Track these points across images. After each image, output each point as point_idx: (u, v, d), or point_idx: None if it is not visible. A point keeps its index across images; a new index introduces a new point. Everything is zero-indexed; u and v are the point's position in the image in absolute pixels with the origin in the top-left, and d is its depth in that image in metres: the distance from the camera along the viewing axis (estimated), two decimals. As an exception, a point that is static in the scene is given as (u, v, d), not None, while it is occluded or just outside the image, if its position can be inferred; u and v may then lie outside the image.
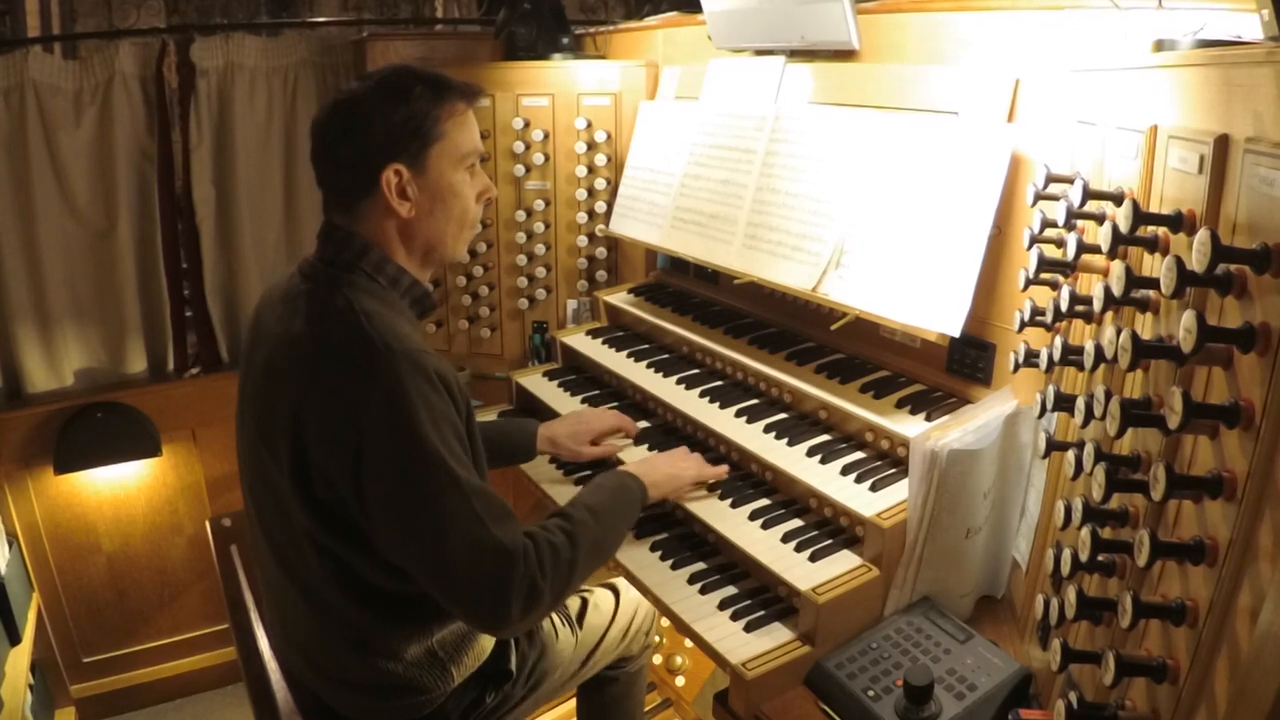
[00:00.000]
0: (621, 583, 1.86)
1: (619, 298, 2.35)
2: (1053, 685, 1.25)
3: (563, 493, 1.84)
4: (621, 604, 1.84)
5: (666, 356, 2.10)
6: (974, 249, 1.47)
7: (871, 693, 1.32)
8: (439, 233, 1.39)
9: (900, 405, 1.61)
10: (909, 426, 1.53)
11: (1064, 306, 1.18)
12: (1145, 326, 1.05)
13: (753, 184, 1.91)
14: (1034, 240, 1.28)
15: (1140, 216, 0.99)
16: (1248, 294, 0.83)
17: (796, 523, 1.57)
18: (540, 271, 2.51)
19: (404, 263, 1.39)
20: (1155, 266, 1.02)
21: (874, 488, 1.50)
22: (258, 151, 2.82)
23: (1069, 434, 1.24)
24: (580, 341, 2.27)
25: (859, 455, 1.61)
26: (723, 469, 1.69)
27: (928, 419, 1.55)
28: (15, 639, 2.37)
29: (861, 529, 1.48)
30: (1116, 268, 0.98)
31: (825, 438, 1.67)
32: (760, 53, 2.03)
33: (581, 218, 2.46)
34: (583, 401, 2.08)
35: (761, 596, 1.51)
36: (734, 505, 1.63)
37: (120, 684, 2.94)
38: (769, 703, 1.37)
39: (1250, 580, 0.80)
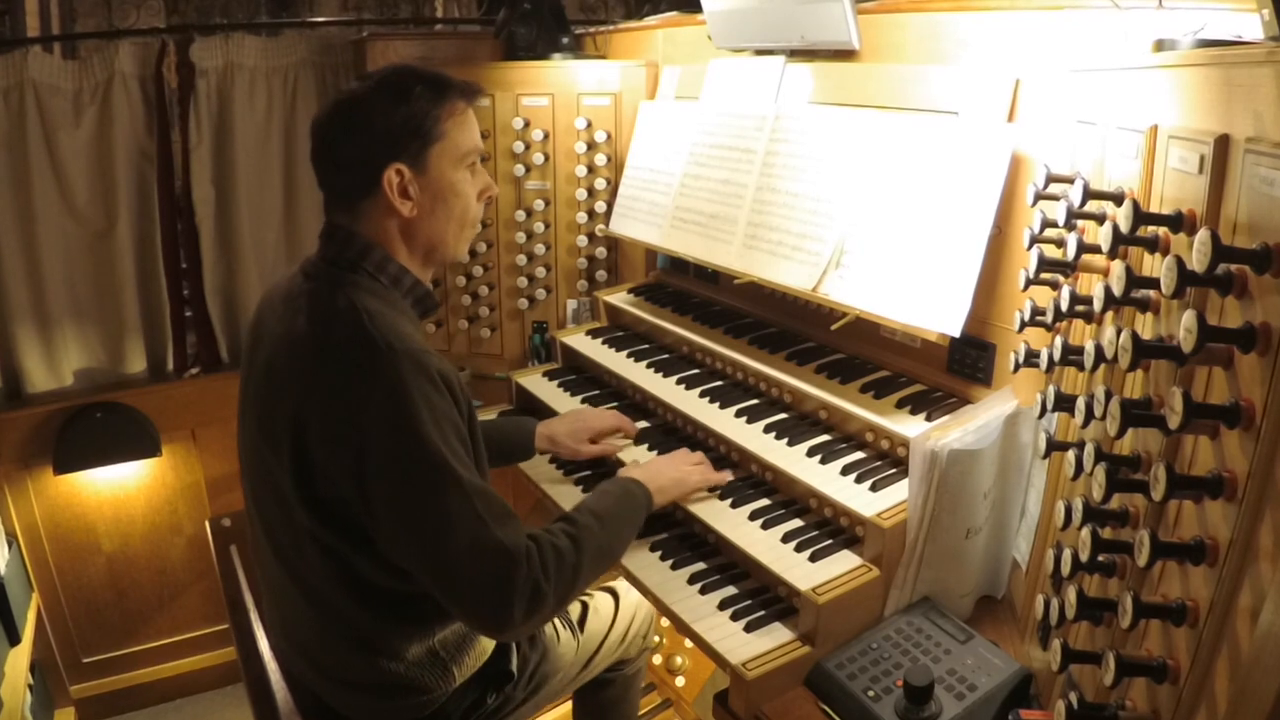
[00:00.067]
0: (621, 586, 1.86)
1: (619, 298, 2.35)
2: (1053, 685, 1.25)
3: (562, 493, 1.84)
4: (621, 607, 1.83)
5: (666, 356, 2.10)
6: (974, 249, 1.47)
7: (872, 693, 1.32)
8: (440, 232, 1.39)
9: (900, 405, 1.61)
10: (909, 426, 1.53)
11: (1064, 306, 1.18)
12: (1146, 326, 1.05)
13: (753, 184, 1.91)
14: (1034, 240, 1.28)
15: (1140, 216, 0.99)
16: (1248, 294, 0.83)
17: (796, 523, 1.57)
18: (540, 271, 2.51)
19: (406, 262, 1.39)
20: (1155, 266, 1.02)
21: (874, 488, 1.50)
22: (257, 151, 2.82)
23: (1069, 434, 1.24)
24: (580, 341, 2.27)
25: (859, 455, 1.61)
26: (726, 474, 1.68)
27: (928, 419, 1.55)
28: (15, 639, 2.36)
29: (862, 529, 1.48)
30: (1117, 268, 0.98)
31: (825, 438, 1.67)
32: (760, 52, 2.03)
33: (581, 217, 2.46)
34: (583, 401, 2.08)
35: (761, 597, 1.51)
36: (734, 505, 1.63)
37: (120, 684, 2.94)
38: (769, 703, 1.37)
39: (1250, 580, 0.80)
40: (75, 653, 2.87)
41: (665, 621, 2.21)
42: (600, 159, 2.41)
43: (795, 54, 1.93)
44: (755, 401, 1.83)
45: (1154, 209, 1.03)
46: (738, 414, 1.78)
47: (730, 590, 1.53)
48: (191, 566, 2.96)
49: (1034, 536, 1.41)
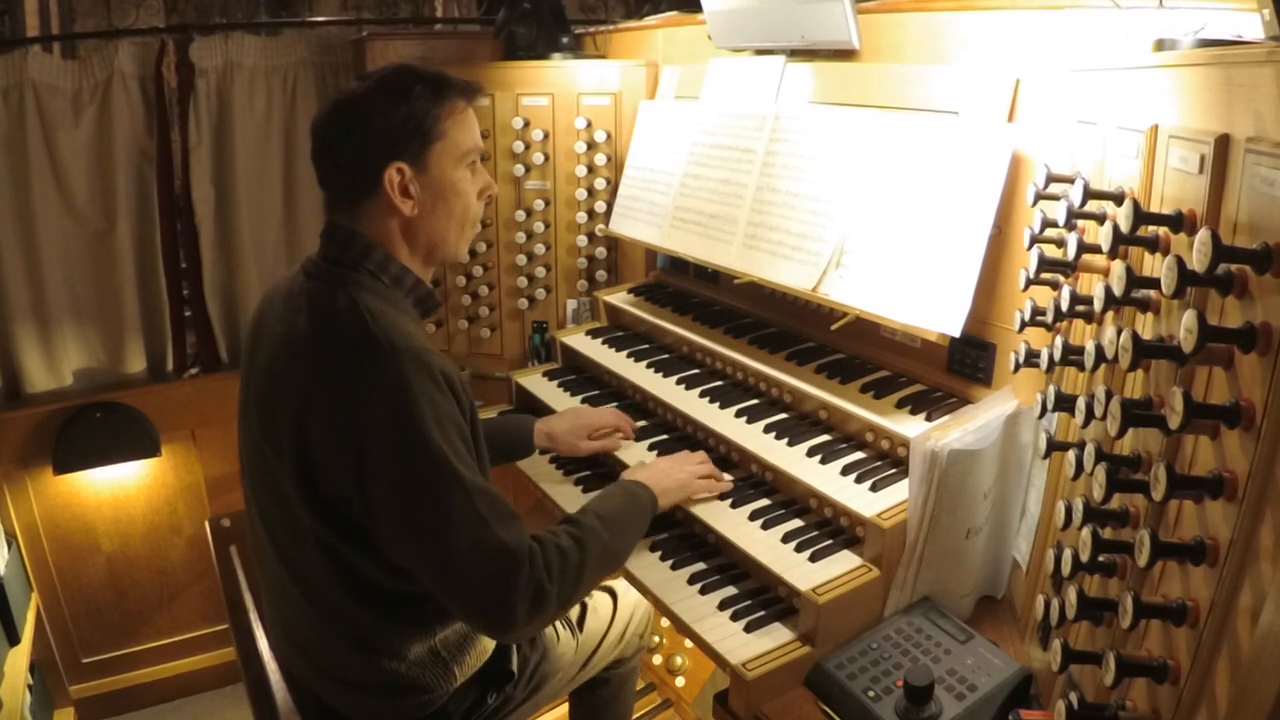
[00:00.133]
0: (620, 585, 1.86)
1: (619, 298, 2.35)
2: (1053, 686, 1.25)
3: (562, 492, 1.84)
4: (619, 606, 1.83)
5: (666, 356, 2.10)
6: (974, 249, 1.47)
7: (872, 693, 1.32)
8: (441, 231, 1.39)
9: (900, 405, 1.61)
10: (909, 426, 1.53)
11: (1064, 306, 1.18)
12: (1146, 326, 1.05)
13: (753, 184, 1.91)
14: (1034, 240, 1.28)
15: (1141, 216, 0.99)
16: (1248, 294, 0.83)
17: (797, 523, 1.57)
18: (540, 271, 2.51)
19: (407, 261, 1.39)
20: (1156, 266, 1.02)
21: (874, 488, 1.50)
22: (257, 151, 2.81)
23: (1069, 434, 1.24)
24: (580, 341, 2.27)
25: (859, 455, 1.61)
26: (728, 479, 1.68)
27: (928, 419, 1.55)
28: (14, 639, 2.36)
29: (862, 529, 1.48)
30: (1117, 267, 0.98)
31: (825, 438, 1.67)
32: (760, 52, 2.02)
33: (581, 217, 2.46)
34: (583, 401, 2.08)
35: (761, 597, 1.51)
36: (734, 505, 1.63)
37: (119, 684, 2.94)
38: (769, 703, 1.37)
39: (1251, 580, 0.79)
40: (75, 653, 2.86)
41: (665, 622, 2.22)
42: (600, 159, 2.41)
43: (795, 54, 1.93)
44: (755, 401, 1.83)
45: (1154, 209, 1.03)
46: (738, 414, 1.78)
47: (730, 590, 1.53)
48: (191, 567, 2.96)
49: (1034, 536, 1.41)
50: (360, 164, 1.32)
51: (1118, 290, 0.98)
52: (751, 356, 1.89)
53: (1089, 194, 1.15)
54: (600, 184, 2.43)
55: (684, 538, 1.68)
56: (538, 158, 2.41)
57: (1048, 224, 1.26)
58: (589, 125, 2.39)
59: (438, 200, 1.36)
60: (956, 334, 1.48)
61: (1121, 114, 1.15)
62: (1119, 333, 0.96)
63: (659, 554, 1.63)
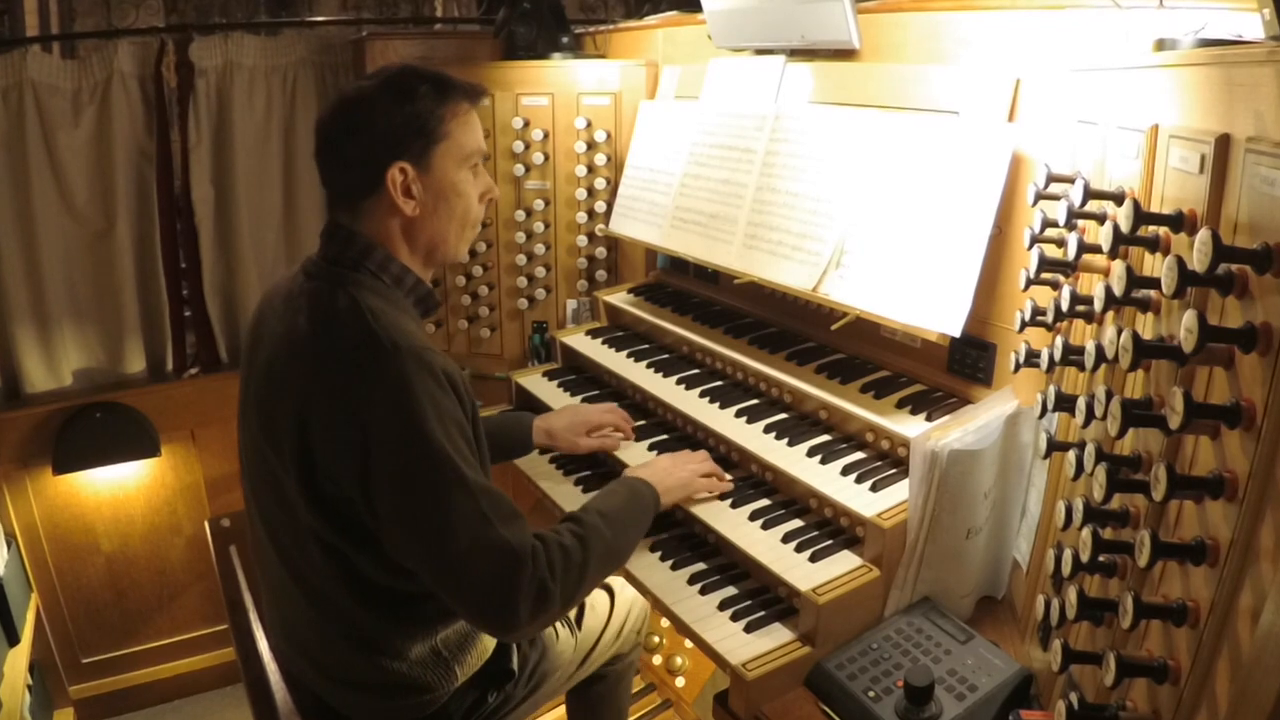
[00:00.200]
0: (616, 582, 1.86)
1: (619, 298, 2.35)
2: (1053, 686, 1.25)
3: (562, 491, 1.84)
4: (616, 603, 1.83)
5: (666, 356, 2.10)
6: (975, 249, 1.47)
7: (872, 693, 1.32)
8: (442, 232, 1.39)
9: (901, 405, 1.61)
10: (909, 427, 1.53)
11: (1065, 306, 1.18)
12: (1146, 326, 1.05)
13: (753, 184, 1.91)
14: (1035, 240, 1.28)
15: (1141, 216, 0.99)
16: (1249, 294, 0.83)
17: (797, 523, 1.56)
18: (540, 271, 2.51)
19: (407, 262, 1.39)
20: (1156, 266, 1.02)
21: (874, 488, 1.50)
22: (257, 151, 2.81)
23: (1070, 434, 1.24)
24: (580, 341, 2.27)
25: (859, 455, 1.61)
26: (728, 479, 1.68)
27: (928, 419, 1.55)
28: (14, 640, 2.36)
29: (862, 529, 1.48)
30: (1117, 267, 0.98)
31: (825, 438, 1.67)
32: (760, 52, 2.02)
33: (581, 217, 2.46)
34: (583, 401, 2.08)
35: (762, 597, 1.51)
36: (734, 505, 1.63)
37: (119, 685, 2.94)
38: (769, 704, 1.37)
39: (1251, 581, 0.79)
40: (74, 653, 2.86)
41: (665, 622, 2.22)
42: (600, 159, 2.41)
43: (795, 53, 1.93)
44: (755, 401, 1.83)
45: (1155, 209, 1.03)
46: (738, 414, 1.78)
47: (730, 590, 1.53)
48: (191, 567, 2.96)
49: (1034, 537, 1.41)
50: (363, 163, 1.32)
51: (1118, 290, 0.98)
52: (751, 356, 1.89)
53: (1089, 194, 1.15)
54: (600, 184, 2.43)
55: (684, 538, 1.68)
56: (537, 157, 2.41)
57: (1048, 224, 1.26)
58: (589, 125, 2.39)
59: (439, 201, 1.36)
60: (957, 334, 1.48)
61: (1122, 114, 1.15)
62: (1119, 333, 0.96)
63: (659, 554, 1.63)
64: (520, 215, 2.47)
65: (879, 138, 1.65)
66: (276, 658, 1.62)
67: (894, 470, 1.54)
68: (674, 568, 1.59)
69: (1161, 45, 1.11)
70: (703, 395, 1.88)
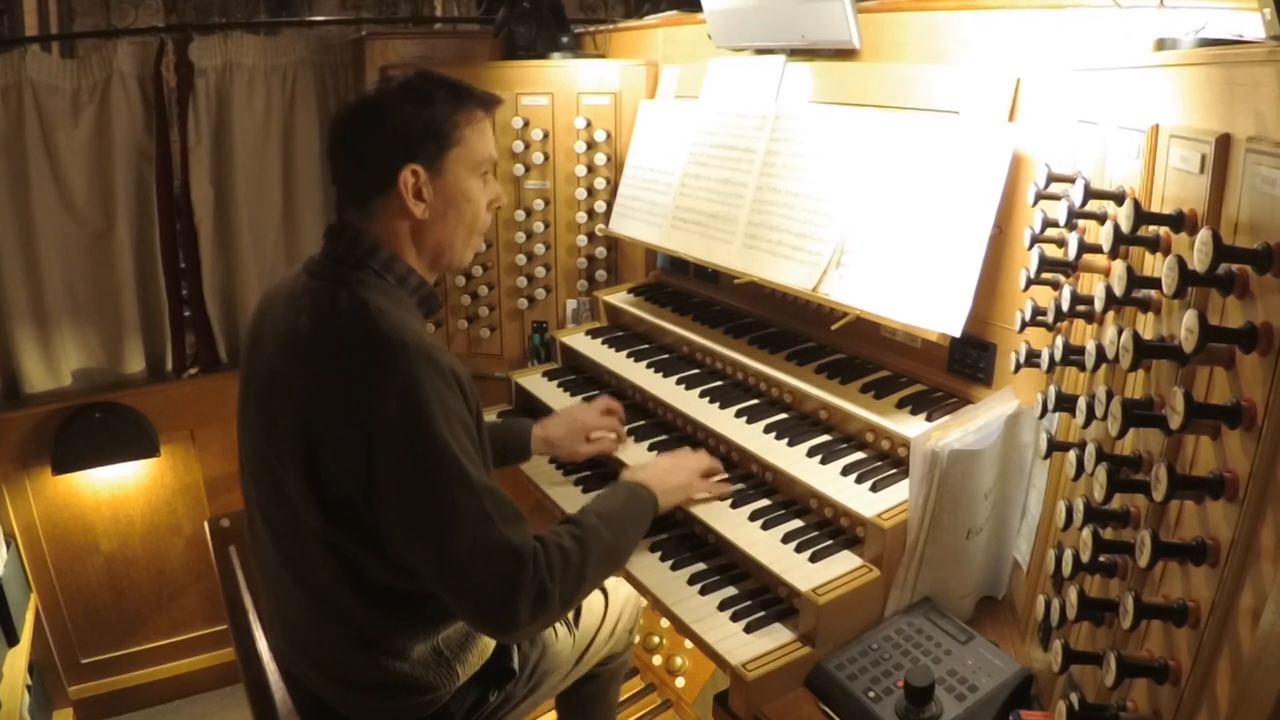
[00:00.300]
0: (610, 582, 1.86)
1: (619, 297, 2.35)
2: (1054, 686, 1.25)
3: (562, 493, 1.84)
4: (610, 603, 1.84)
5: (666, 356, 2.09)
6: (975, 249, 1.47)
7: (872, 694, 1.31)
8: (450, 236, 1.40)
9: (901, 405, 1.61)
10: (910, 427, 1.53)
11: (1065, 306, 1.17)
12: (1147, 326, 1.05)
13: (753, 183, 1.91)
14: (1035, 240, 1.28)
15: (1142, 216, 0.99)
16: (1249, 294, 0.83)
17: (797, 523, 1.56)
18: (540, 271, 2.51)
19: (413, 264, 1.40)
20: (1157, 266, 1.02)
21: (874, 488, 1.50)
22: (256, 151, 2.81)
23: (1070, 434, 1.24)
24: (580, 341, 2.26)
25: (859, 455, 1.61)
26: (726, 479, 1.68)
27: (928, 419, 1.55)
28: (13, 640, 2.36)
29: (862, 529, 1.48)
30: (1118, 267, 0.98)
31: (826, 438, 1.67)
32: (760, 52, 2.02)
33: (581, 217, 2.46)
34: (583, 401, 2.07)
35: (762, 597, 1.51)
36: (734, 506, 1.63)
37: (118, 685, 2.94)
38: (769, 704, 1.37)
39: (1252, 581, 0.79)
40: (74, 653, 2.86)
41: (665, 622, 2.22)
42: (600, 158, 2.41)
43: (795, 53, 1.93)
44: (755, 401, 1.83)
45: (1155, 209, 1.03)
46: (738, 414, 1.78)
47: (730, 591, 1.53)
48: (190, 567, 2.96)
49: (1035, 537, 1.41)
50: (377, 163, 1.33)
51: (1118, 290, 0.98)
52: (751, 356, 1.89)
53: (1090, 194, 1.14)
54: (600, 184, 2.43)
55: (684, 538, 1.68)
56: (537, 157, 2.41)
57: (1048, 224, 1.26)
58: (589, 125, 2.39)
59: (449, 206, 1.38)
60: (957, 334, 1.48)
61: (1122, 113, 1.15)
62: (1120, 333, 0.96)
63: (659, 554, 1.63)
64: (520, 215, 2.47)
65: (879, 137, 1.65)
66: (276, 658, 1.62)
67: (894, 470, 1.54)
68: (674, 568, 1.59)
69: (1162, 45, 1.11)
70: (703, 395, 1.88)
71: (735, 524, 1.58)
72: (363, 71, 2.64)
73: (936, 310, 1.49)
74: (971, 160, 1.49)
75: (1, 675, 2.23)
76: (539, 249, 2.50)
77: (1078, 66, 1.32)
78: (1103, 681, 0.93)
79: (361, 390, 1.23)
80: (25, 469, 2.65)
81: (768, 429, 1.72)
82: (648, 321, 2.20)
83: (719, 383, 1.93)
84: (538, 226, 2.48)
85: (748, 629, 1.44)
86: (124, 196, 2.70)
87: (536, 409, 2.15)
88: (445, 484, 1.22)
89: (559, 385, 2.18)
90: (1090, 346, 1.05)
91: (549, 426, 1.86)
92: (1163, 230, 1.01)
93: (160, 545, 2.91)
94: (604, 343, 2.23)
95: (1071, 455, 1.06)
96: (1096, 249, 1.11)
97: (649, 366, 2.05)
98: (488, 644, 1.53)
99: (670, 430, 1.91)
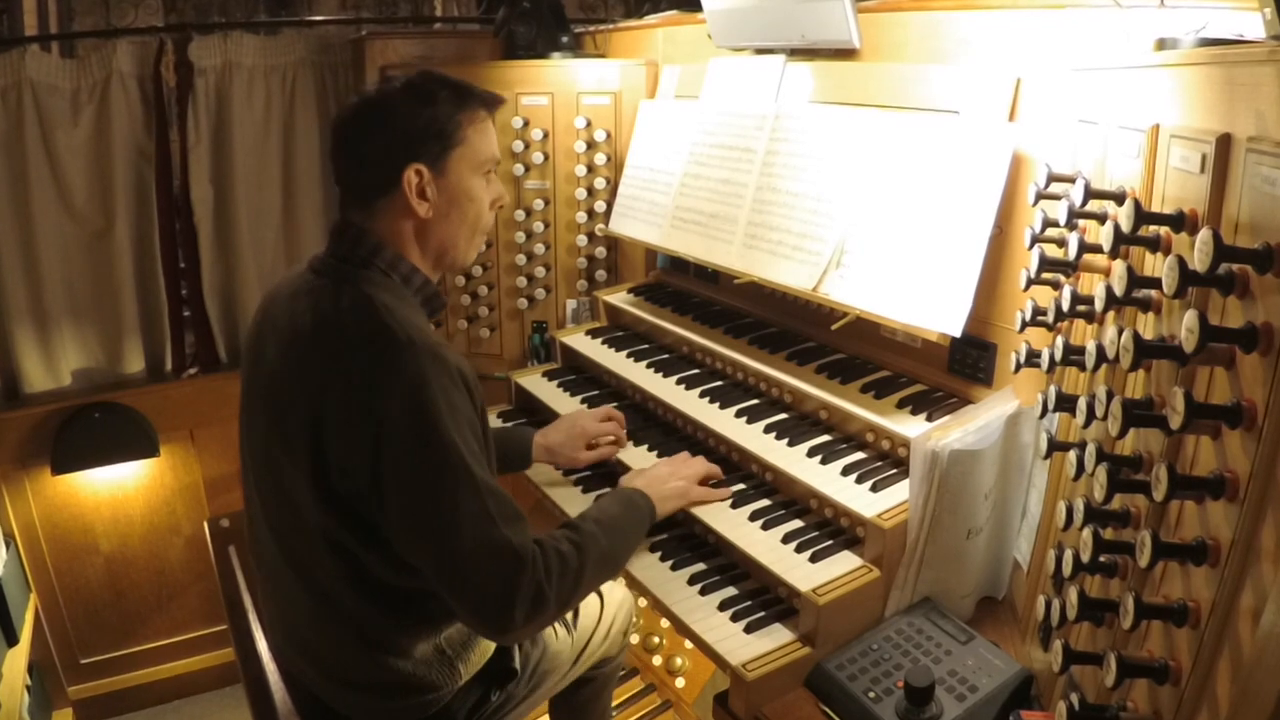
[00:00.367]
0: (604, 584, 1.86)
1: (619, 297, 2.34)
2: (1054, 686, 1.25)
3: (562, 495, 1.84)
4: (606, 605, 1.84)
5: (666, 356, 2.09)
6: (975, 248, 1.47)
7: (872, 694, 1.31)
8: (453, 236, 1.41)
9: (901, 405, 1.61)
10: (910, 427, 1.53)
11: (1065, 306, 1.17)
12: (1147, 326, 1.05)
13: (753, 183, 1.90)
14: (1035, 240, 1.28)
15: (1142, 216, 0.99)
16: (1250, 294, 0.83)
17: (797, 523, 1.56)
18: (540, 271, 2.51)
19: (417, 263, 1.40)
20: (1157, 266, 1.02)
21: (875, 488, 1.50)
22: (256, 151, 2.81)
23: (1070, 434, 1.24)
24: (580, 341, 2.26)
25: (860, 456, 1.60)
26: (726, 489, 1.68)
27: (929, 419, 1.54)
28: (12, 640, 2.36)
29: (862, 530, 1.48)
30: (1118, 267, 0.98)
31: (826, 438, 1.67)
32: (760, 51, 2.02)
33: (581, 217, 2.46)
34: (582, 402, 2.08)
35: (762, 597, 1.50)
36: (734, 506, 1.62)
37: (118, 685, 2.94)
38: (769, 704, 1.37)
39: (1252, 581, 0.79)
40: (73, 654, 2.86)
41: (665, 622, 2.21)
42: (600, 158, 2.40)
43: (796, 53, 1.93)
44: (755, 401, 1.83)
45: (1155, 208, 1.03)
46: (738, 414, 1.78)
47: (730, 591, 1.53)
48: (190, 567, 2.95)
49: (1035, 537, 1.41)
50: (380, 163, 1.33)
51: (1119, 290, 0.97)
52: (751, 356, 1.89)
53: (1090, 193, 1.14)
54: (600, 183, 2.43)
55: (684, 538, 1.68)
56: (537, 157, 2.41)
57: (1049, 223, 1.26)
58: (589, 124, 2.39)
59: (452, 205, 1.38)
60: (957, 334, 1.48)
61: (1123, 113, 1.15)
62: (1120, 333, 0.95)
63: (659, 554, 1.63)
64: (520, 215, 2.46)
65: (879, 137, 1.65)
66: (276, 658, 1.62)
67: (894, 470, 1.54)
68: (674, 568, 1.59)
69: (1162, 45, 1.11)
70: (703, 395, 1.88)
71: (735, 524, 1.58)
72: (363, 71, 2.64)
73: (937, 310, 1.49)
74: (972, 160, 1.49)
75: (1, 675, 2.23)
76: (539, 249, 2.50)
77: (1078, 66, 1.31)
78: (1103, 682, 0.92)
79: (371, 386, 1.23)
80: (25, 469, 2.65)
81: (768, 429, 1.72)
82: (648, 321, 2.20)
83: (719, 383, 1.93)
84: (538, 226, 2.47)
85: (748, 629, 1.44)
86: (123, 196, 2.70)
87: (536, 409, 2.15)
88: (450, 484, 1.23)
89: (559, 385, 2.18)
90: (1090, 346, 1.05)
91: (550, 434, 1.86)
92: (1163, 230, 1.00)
93: (160, 545, 2.91)
94: (604, 343, 2.23)
95: (1072, 455, 1.06)
96: (1097, 249, 1.11)
97: (649, 366, 2.05)
98: (489, 643, 1.53)
99: (670, 430, 1.91)
